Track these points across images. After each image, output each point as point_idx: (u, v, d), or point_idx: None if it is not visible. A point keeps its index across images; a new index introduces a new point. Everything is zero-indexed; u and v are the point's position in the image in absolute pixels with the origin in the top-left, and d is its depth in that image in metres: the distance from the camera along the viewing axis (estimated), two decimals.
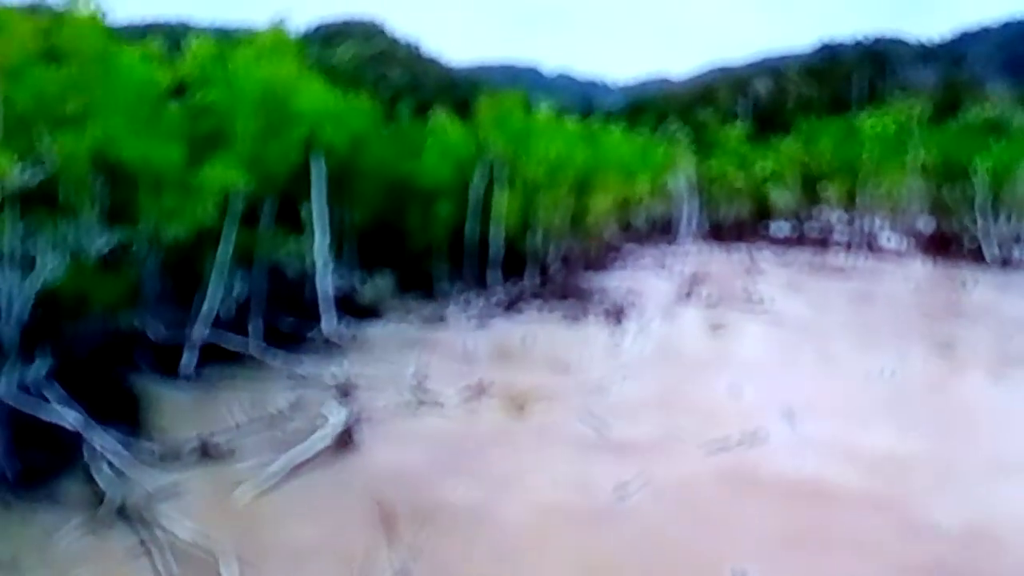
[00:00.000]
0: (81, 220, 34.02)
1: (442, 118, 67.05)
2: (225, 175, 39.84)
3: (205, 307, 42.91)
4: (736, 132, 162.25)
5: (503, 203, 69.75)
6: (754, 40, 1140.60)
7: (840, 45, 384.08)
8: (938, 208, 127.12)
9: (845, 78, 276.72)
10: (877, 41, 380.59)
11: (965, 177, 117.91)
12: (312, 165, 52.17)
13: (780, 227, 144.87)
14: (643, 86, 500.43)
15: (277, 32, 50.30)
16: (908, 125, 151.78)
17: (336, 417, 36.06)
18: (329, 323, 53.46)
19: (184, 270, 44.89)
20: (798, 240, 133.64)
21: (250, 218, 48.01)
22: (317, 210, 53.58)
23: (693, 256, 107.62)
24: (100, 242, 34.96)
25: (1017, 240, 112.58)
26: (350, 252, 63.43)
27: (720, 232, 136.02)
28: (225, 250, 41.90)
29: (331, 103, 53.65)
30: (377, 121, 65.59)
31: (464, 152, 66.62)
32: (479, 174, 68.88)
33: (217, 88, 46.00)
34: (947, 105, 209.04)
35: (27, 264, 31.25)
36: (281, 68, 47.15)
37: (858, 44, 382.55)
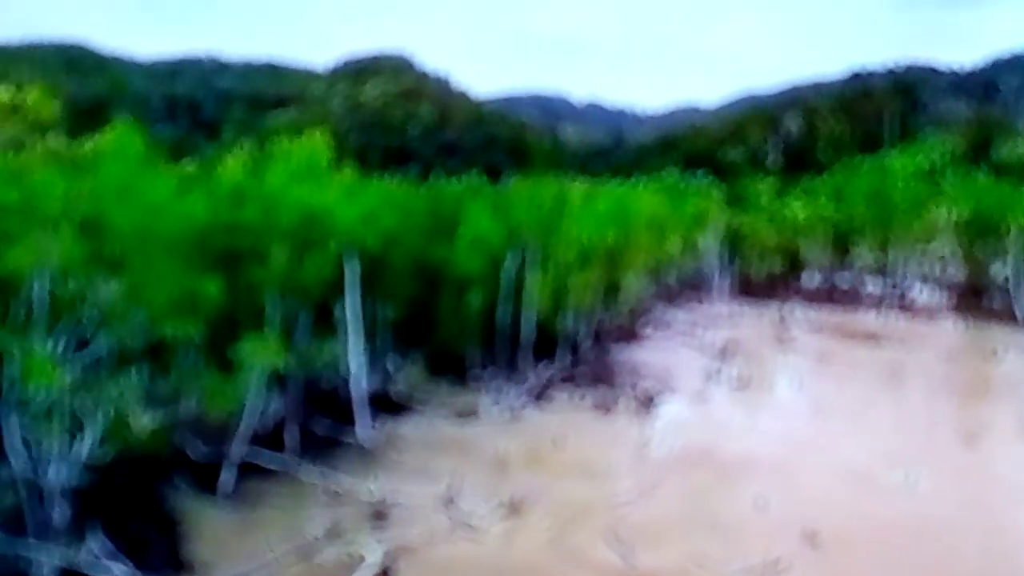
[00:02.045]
0: (125, 394, 34.62)
1: (475, 209, 67.23)
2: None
3: (242, 426, 43.47)
4: (767, 186, 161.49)
5: (535, 286, 69.99)
6: (784, 68, 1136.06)
7: (871, 74, 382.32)
8: (970, 263, 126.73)
9: (876, 114, 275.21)
10: (908, 70, 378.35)
11: (997, 233, 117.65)
12: (346, 267, 52.77)
13: (811, 278, 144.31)
14: (672, 115, 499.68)
15: (312, 146, 50.73)
16: (940, 164, 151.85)
17: (373, 556, 36.71)
18: (363, 427, 53.96)
19: None
20: (829, 294, 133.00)
21: (285, 327, 48.71)
22: (351, 312, 54.19)
23: (724, 320, 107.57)
24: (144, 420, 35.73)
25: None
26: (383, 340, 63.91)
27: (751, 288, 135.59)
28: (262, 373, 42.40)
29: (366, 206, 53.94)
30: (409, 210, 65.89)
31: (496, 239, 66.96)
32: (511, 259, 69.23)
33: (252, 206, 46.69)
34: (979, 141, 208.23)
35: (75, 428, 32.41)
36: (317, 191, 47.68)
37: (889, 72, 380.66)
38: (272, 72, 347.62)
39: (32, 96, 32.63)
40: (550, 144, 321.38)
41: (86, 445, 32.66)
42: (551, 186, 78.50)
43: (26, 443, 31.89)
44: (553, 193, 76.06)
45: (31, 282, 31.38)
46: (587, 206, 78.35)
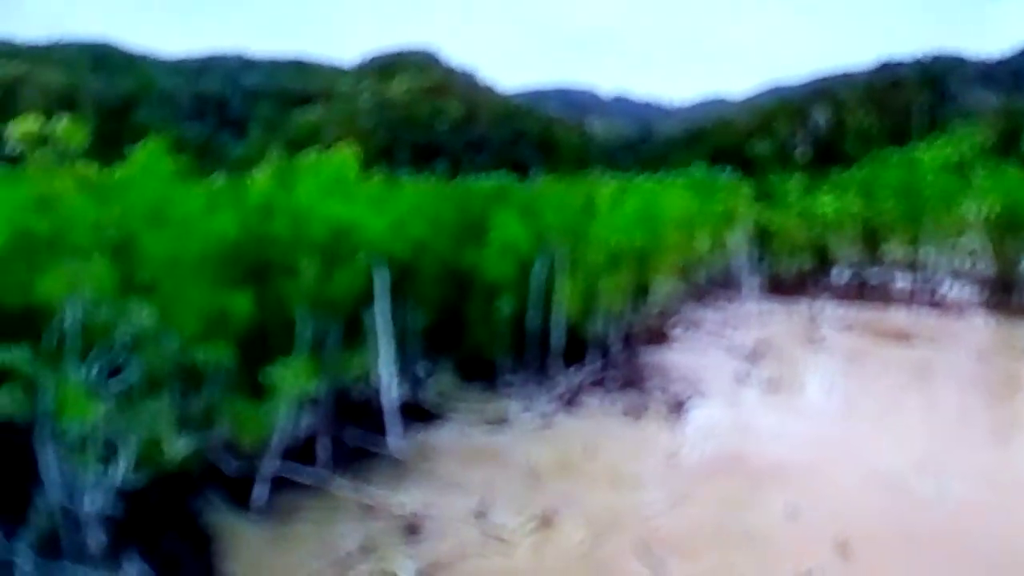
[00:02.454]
0: (158, 419, 34.84)
1: (504, 214, 67.12)
2: (296, 377, 40.57)
3: (274, 441, 43.61)
4: (795, 183, 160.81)
5: (564, 291, 70.01)
6: (811, 59, 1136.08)
7: (899, 64, 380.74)
8: (1000, 258, 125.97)
9: (904, 105, 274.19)
10: (936, 60, 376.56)
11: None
12: (375, 278, 52.74)
13: (841, 274, 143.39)
14: (700, 107, 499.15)
15: (341, 159, 50.85)
16: (970, 156, 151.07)
17: (406, 573, 36.92)
18: (395, 437, 54.06)
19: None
20: (859, 291, 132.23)
21: (315, 339, 48.86)
22: (382, 322, 54.24)
23: (753, 319, 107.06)
24: (179, 445, 35.90)
25: None
26: (413, 348, 64.01)
27: (781, 285, 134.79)
28: (294, 370, 42.46)
29: (395, 215, 54.05)
30: (437, 217, 65.91)
31: (524, 245, 66.91)
32: (540, 263, 69.21)
33: (281, 219, 46.84)
34: (1008, 132, 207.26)
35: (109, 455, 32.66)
36: (346, 206, 47.80)
37: (917, 63, 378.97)
38: (299, 69, 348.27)
39: (62, 126, 32.58)
40: (577, 139, 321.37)
41: (120, 471, 32.87)
42: (579, 188, 78.58)
43: (61, 471, 32.13)
44: (581, 196, 75.91)
45: (63, 311, 31.58)
46: (616, 208, 78.03)
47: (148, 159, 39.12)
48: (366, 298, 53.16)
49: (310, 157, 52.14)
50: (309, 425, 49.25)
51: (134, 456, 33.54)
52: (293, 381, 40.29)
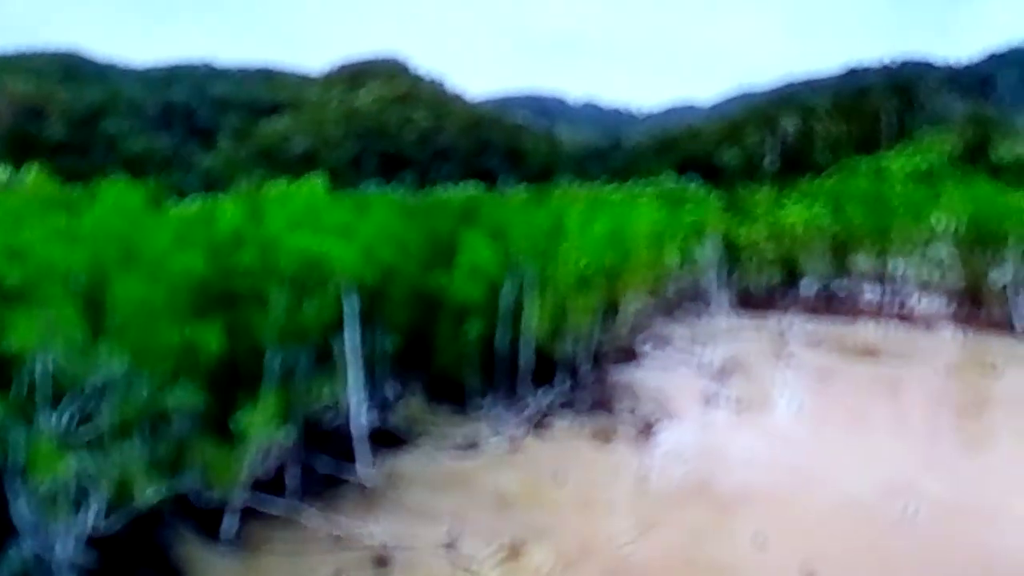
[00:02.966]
0: (130, 466, 34.82)
1: (472, 236, 67.03)
2: (265, 424, 40.66)
3: (244, 471, 43.50)
4: (764, 196, 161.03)
5: (533, 312, 70.06)
6: (779, 64, 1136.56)
7: (866, 70, 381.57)
8: (968, 270, 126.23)
9: (873, 111, 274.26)
10: (904, 65, 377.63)
11: (995, 240, 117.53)
12: (344, 304, 52.77)
13: (810, 287, 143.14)
14: (669, 114, 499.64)
15: (310, 188, 50.93)
16: (938, 164, 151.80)
17: None
18: (364, 465, 54.08)
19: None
20: (827, 304, 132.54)
21: (285, 369, 48.89)
22: (351, 348, 54.23)
23: (722, 335, 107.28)
24: (149, 492, 35.87)
25: None
26: (382, 371, 63.97)
27: (750, 299, 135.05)
28: (263, 415, 42.38)
29: (364, 241, 54.09)
30: (406, 240, 65.85)
31: (493, 266, 66.90)
32: (509, 285, 69.25)
33: (250, 251, 46.83)
34: (977, 140, 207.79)
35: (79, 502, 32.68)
36: (315, 237, 47.82)
37: (885, 68, 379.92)
38: (267, 78, 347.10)
39: (31, 176, 32.69)
40: (546, 147, 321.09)
41: (91, 517, 32.86)
42: (549, 206, 78.67)
43: (33, 518, 32.11)
44: (550, 216, 75.95)
45: (33, 360, 31.54)
46: (585, 228, 78.08)
47: (117, 197, 39.09)
48: (336, 324, 53.14)
49: (279, 186, 52.15)
50: (279, 455, 49.04)
51: (105, 501, 33.50)
52: (262, 427, 40.28)
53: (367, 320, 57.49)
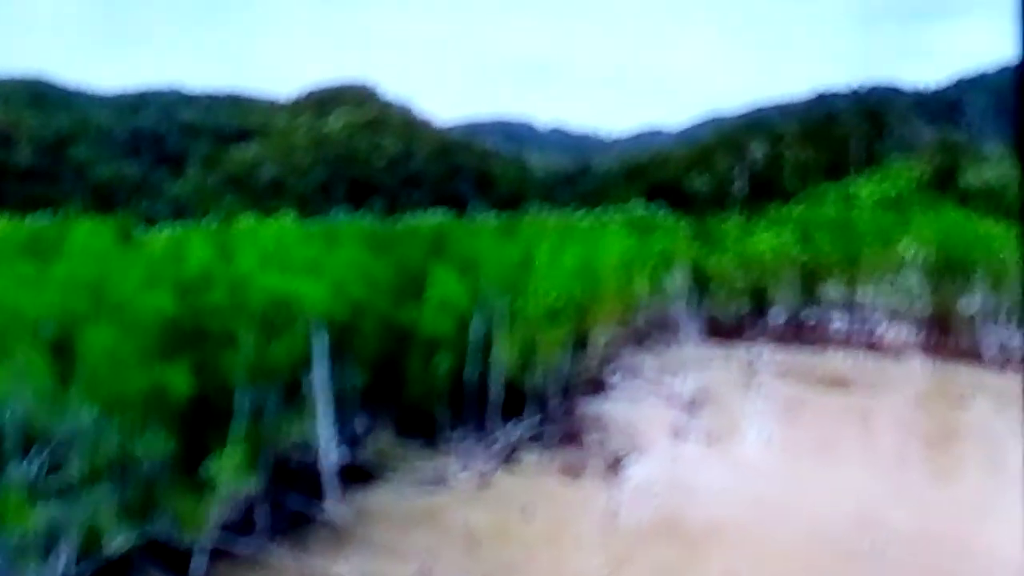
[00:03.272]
0: (99, 513, 34.73)
1: (441, 271, 67.00)
2: (233, 473, 40.67)
3: (214, 511, 43.39)
4: (733, 225, 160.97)
5: (503, 345, 70.13)
6: (747, 89, 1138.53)
7: (835, 95, 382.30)
8: (937, 298, 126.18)
9: (841, 136, 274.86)
10: (872, 90, 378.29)
11: (964, 269, 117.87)
12: (314, 341, 52.69)
13: (779, 315, 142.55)
14: (637, 139, 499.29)
15: (280, 227, 50.97)
16: (907, 191, 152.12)
17: None
18: (333, 502, 53.92)
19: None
20: (797, 333, 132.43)
21: (255, 407, 48.80)
22: (320, 385, 54.20)
23: (692, 364, 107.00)
24: (118, 540, 35.79)
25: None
26: (352, 405, 63.93)
27: (719, 328, 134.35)
28: (231, 462, 42.31)
29: (334, 277, 54.18)
30: (376, 276, 65.84)
31: (462, 301, 66.96)
32: (478, 318, 69.28)
33: (220, 289, 46.79)
34: (946, 166, 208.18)
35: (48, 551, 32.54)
36: (284, 278, 47.81)
37: (853, 93, 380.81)
38: (235, 104, 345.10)
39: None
40: (515, 173, 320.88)
41: (61, 564, 32.73)
42: (518, 238, 78.78)
43: (3, 567, 31.96)
44: (520, 249, 76.02)
45: (3, 410, 31.44)
46: (554, 261, 78.15)
47: (85, 239, 39.10)
48: (305, 361, 53.10)
49: (248, 221, 52.22)
50: (248, 495, 48.96)
51: (76, 549, 33.38)
52: (231, 475, 40.25)
53: (337, 354, 57.47)
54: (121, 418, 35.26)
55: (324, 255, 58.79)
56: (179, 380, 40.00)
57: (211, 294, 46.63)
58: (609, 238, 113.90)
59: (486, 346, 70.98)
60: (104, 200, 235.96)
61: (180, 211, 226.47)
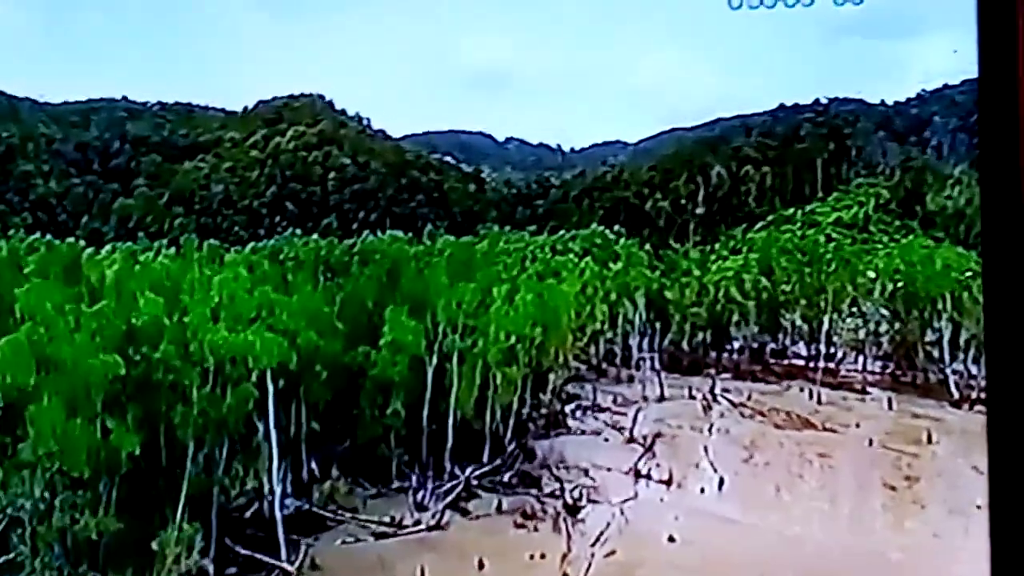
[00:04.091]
0: None
1: (395, 314, 66.12)
2: (182, 548, 39.83)
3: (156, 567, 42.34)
4: (694, 252, 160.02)
5: (458, 386, 69.26)
6: (708, 102, 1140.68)
7: (797, 107, 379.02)
8: (903, 331, 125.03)
9: (804, 152, 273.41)
10: (836, 103, 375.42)
11: (931, 301, 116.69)
12: (268, 390, 51.71)
13: (741, 348, 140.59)
14: (596, 153, 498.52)
15: (233, 279, 50.06)
16: (873, 213, 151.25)
17: None
18: (284, 553, 52.89)
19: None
20: (757, 367, 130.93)
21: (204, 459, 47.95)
22: (270, 433, 53.23)
23: (652, 402, 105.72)
24: None
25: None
26: (305, 450, 63.02)
27: (678, 362, 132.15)
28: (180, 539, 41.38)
29: (286, 326, 53.39)
30: (329, 321, 64.98)
31: (417, 342, 66.07)
32: (434, 360, 68.41)
33: (169, 347, 45.83)
34: (911, 187, 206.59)
35: None
36: (234, 336, 46.97)
37: (816, 105, 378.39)
38: (186, 117, 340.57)
39: None
40: (472, 189, 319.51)
41: None
42: (473, 279, 77.96)
43: None
44: (475, 291, 74.96)
45: None
46: (511, 299, 77.18)
47: (34, 303, 38.19)
48: (257, 407, 52.18)
49: (201, 274, 51.33)
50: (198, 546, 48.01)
51: None
52: (178, 551, 39.46)
53: (287, 399, 56.66)
54: (67, 493, 34.22)
55: (276, 299, 57.65)
56: (127, 440, 39.06)
57: (161, 348, 45.62)
58: (568, 272, 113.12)
59: (441, 387, 70.09)
60: (49, 216, 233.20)
61: (128, 230, 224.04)
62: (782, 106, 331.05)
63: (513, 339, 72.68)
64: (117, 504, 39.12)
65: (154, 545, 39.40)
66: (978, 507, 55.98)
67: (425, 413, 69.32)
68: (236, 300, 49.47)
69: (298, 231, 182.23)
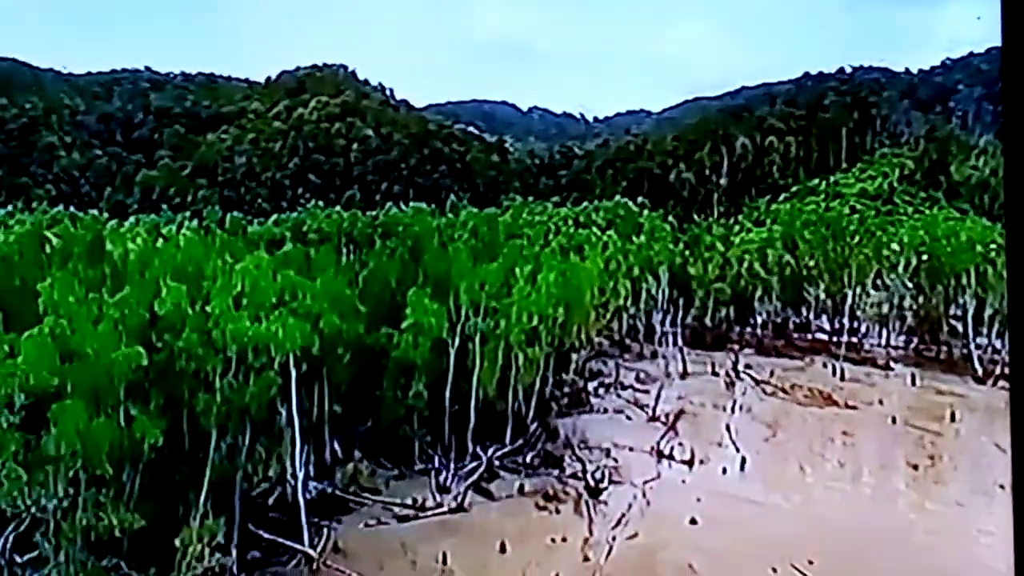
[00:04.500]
0: None
1: (417, 296, 65.98)
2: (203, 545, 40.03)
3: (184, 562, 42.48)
4: (718, 223, 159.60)
5: (481, 366, 69.40)
6: (732, 71, 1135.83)
7: (821, 76, 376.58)
8: (927, 306, 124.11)
9: (829, 122, 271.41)
10: (860, 72, 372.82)
11: (955, 275, 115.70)
12: (291, 377, 51.81)
13: (764, 323, 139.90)
14: (620, 122, 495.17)
15: (255, 267, 50.10)
16: (897, 184, 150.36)
17: None
18: (307, 537, 53.06)
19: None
20: (781, 342, 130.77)
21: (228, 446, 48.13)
22: (294, 420, 53.36)
23: (675, 379, 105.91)
24: None
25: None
26: (327, 433, 63.36)
27: (701, 337, 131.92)
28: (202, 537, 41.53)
29: (308, 310, 53.52)
30: (351, 303, 64.98)
31: (439, 324, 66.03)
32: (456, 340, 68.46)
33: (192, 333, 45.90)
34: (935, 158, 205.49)
35: None
36: (257, 327, 47.05)
37: (841, 74, 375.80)
38: (209, 88, 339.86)
39: None
40: (496, 159, 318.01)
41: None
42: (497, 257, 77.91)
43: None
44: (498, 272, 74.76)
45: None
46: (535, 278, 76.90)
47: (57, 297, 38.33)
48: (280, 392, 52.22)
49: (222, 267, 51.38)
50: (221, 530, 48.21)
51: None
52: (200, 549, 39.66)
53: (310, 382, 56.83)
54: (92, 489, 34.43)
55: (299, 283, 57.74)
56: (151, 431, 39.25)
57: (183, 337, 45.71)
58: (591, 248, 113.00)
59: (464, 367, 70.17)
60: (72, 189, 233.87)
61: (151, 200, 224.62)
62: (806, 74, 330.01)
63: (536, 319, 72.45)
64: (140, 492, 39.18)
65: (177, 542, 39.35)
66: (1001, 487, 56.23)
67: (447, 394, 69.42)
68: (258, 289, 49.36)
69: (320, 203, 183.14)
